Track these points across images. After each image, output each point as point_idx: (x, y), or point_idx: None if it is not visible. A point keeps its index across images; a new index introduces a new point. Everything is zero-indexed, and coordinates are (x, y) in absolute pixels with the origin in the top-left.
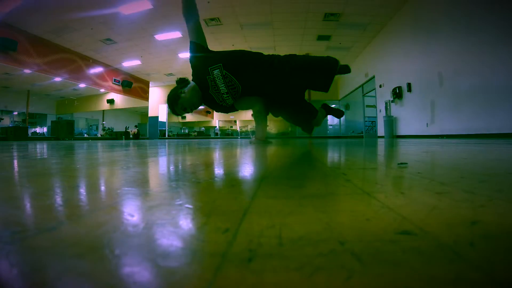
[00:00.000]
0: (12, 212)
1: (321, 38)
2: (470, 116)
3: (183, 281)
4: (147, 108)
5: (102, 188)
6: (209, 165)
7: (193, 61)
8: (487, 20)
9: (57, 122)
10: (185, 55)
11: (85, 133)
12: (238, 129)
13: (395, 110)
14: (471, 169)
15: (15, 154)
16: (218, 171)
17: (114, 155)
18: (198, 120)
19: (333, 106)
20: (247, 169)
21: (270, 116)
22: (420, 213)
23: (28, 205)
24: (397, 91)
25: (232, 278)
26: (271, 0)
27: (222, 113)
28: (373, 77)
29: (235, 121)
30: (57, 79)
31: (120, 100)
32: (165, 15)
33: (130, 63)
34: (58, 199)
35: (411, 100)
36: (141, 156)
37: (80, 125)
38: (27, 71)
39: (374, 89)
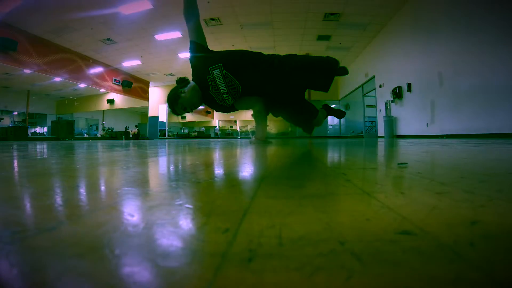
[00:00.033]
0: (12, 212)
1: (321, 38)
2: (470, 116)
3: (183, 281)
4: (147, 108)
5: (102, 188)
6: (209, 165)
7: (193, 61)
8: (487, 20)
9: (57, 122)
10: (185, 55)
11: (85, 133)
12: (238, 129)
13: (395, 110)
14: (471, 169)
15: (15, 154)
16: (218, 171)
17: (114, 155)
18: (198, 120)
19: (333, 106)
20: (247, 169)
21: (270, 116)
22: (420, 213)
23: (28, 205)
24: (397, 91)
25: (232, 278)
26: (271, 0)
27: (222, 113)
28: (373, 77)
29: (235, 121)
30: (57, 79)
31: (120, 100)
32: (165, 15)
33: (130, 63)
34: (58, 199)
35: (411, 100)
36: (141, 156)
37: (80, 125)
38: (27, 71)
39: (374, 89)
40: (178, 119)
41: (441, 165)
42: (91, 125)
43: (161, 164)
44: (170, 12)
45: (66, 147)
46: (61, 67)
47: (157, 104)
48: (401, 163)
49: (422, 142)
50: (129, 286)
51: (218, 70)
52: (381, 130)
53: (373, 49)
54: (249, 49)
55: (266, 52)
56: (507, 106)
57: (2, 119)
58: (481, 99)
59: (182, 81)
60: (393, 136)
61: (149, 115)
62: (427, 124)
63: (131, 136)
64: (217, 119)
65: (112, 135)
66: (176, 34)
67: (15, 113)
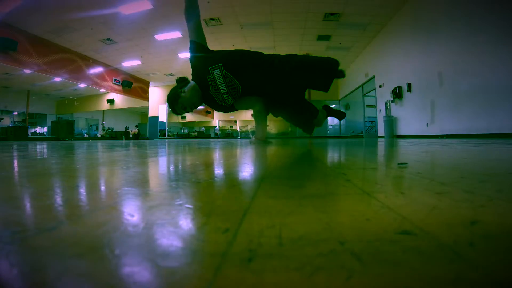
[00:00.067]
0: (12, 212)
1: (321, 38)
2: (470, 116)
3: (183, 281)
4: (147, 108)
5: (102, 188)
6: (209, 165)
7: (193, 60)
8: (487, 20)
9: (57, 122)
10: (185, 55)
11: (85, 133)
12: (238, 129)
13: (395, 110)
14: (471, 169)
15: (15, 154)
16: (218, 171)
17: (114, 155)
18: (198, 120)
19: (333, 106)
20: (247, 169)
21: (270, 116)
22: (420, 213)
23: (28, 205)
24: (397, 91)
25: (232, 278)
26: (271, 0)
27: (222, 113)
28: (373, 77)
29: (235, 121)
30: (57, 79)
31: (120, 100)
32: (165, 15)
33: (130, 63)
34: (58, 199)
35: (411, 100)
36: (141, 156)
37: (80, 125)
38: (27, 71)
39: (374, 89)
40: (178, 119)
41: (441, 165)
42: (91, 125)
43: (161, 164)
44: (170, 12)
45: (66, 147)
46: (61, 67)
47: (157, 104)
48: (401, 163)
49: (422, 142)
50: (129, 286)
51: (218, 70)
52: (381, 130)
53: (373, 49)
54: (249, 49)
55: (266, 52)
56: (507, 106)
57: (2, 119)
58: (481, 99)
59: (182, 81)
60: (393, 136)
61: (149, 115)
62: (427, 124)
63: (131, 136)
64: (217, 119)
65: (112, 135)
66: (176, 34)
67: (15, 113)
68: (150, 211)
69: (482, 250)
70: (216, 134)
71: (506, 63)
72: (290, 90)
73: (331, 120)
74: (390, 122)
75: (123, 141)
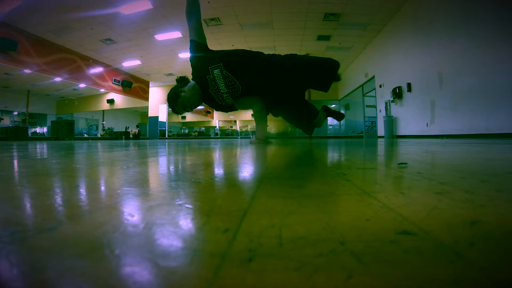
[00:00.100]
0: (12, 212)
1: (321, 38)
2: (470, 116)
3: (183, 281)
4: (147, 108)
5: (102, 188)
6: (209, 165)
7: (193, 60)
8: (487, 20)
9: (57, 122)
10: (185, 55)
11: (85, 133)
12: (238, 129)
13: (395, 110)
14: (471, 169)
15: (15, 154)
16: (218, 171)
17: (114, 155)
18: (198, 120)
19: (333, 106)
20: (247, 169)
21: (270, 116)
22: (420, 213)
23: (28, 205)
24: (397, 91)
25: (232, 278)
26: (271, 0)
27: (222, 113)
28: (373, 77)
29: (235, 121)
30: (57, 79)
31: (120, 100)
32: (165, 15)
33: (130, 63)
34: (58, 199)
35: (411, 100)
36: (141, 156)
37: (80, 125)
38: (27, 71)
39: (374, 89)
40: (178, 119)
41: (441, 165)
42: (91, 125)
43: (161, 164)
44: (170, 12)
45: (66, 147)
46: (61, 67)
47: (157, 104)
48: (401, 163)
49: (422, 142)
50: (129, 286)
51: (218, 70)
52: (381, 130)
53: (373, 49)
54: (249, 49)
55: (266, 52)
56: (507, 106)
57: (2, 119)
58: (481, 99)
59: (182, 80)
60: (393, 136)
61: (149, 115)
62: (427, 124)
63: (131, 136)
64: (217, 119)
65: (112, 135)
66: (176, 34)
67: (15, 113)
68: (150, 211)
69: (482, 250)
70: (216, 134)
71: (506, 63)
72: (290, 89)
73: (331, 120)
74: (390, 122)
75: (123, 141)
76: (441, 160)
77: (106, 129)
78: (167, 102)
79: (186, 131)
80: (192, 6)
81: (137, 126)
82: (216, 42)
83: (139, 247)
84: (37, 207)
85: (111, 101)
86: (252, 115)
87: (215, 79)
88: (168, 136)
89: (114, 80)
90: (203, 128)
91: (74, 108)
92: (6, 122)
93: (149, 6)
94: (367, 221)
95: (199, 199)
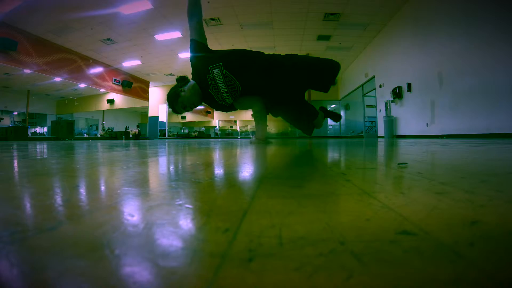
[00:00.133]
0: (12, 212)
1: (321, 38)
2: (470, 116)
3: (183, 281)
4: (147, 108)
5: (102, 188)
6: (209, 165)
7: (194, 60)
8: (487, 20)
9: (57, 122)
10: (185, 55)
11: (85, 133)
12: (238, 129)
13: (395, 110)
14: (471, 169)
15: (15, 154)
16: (218, 171)
17: (114, 155)
18: (198, 120)
19: (333, 106)
20: (247, 169)
21: (270, 116)
22: (420, 213)
23: (28, 205)
24: (397, 91)
25: (232, 278)
26: (271, 0)
27: (222, 113)
28: (373, 77)
29: (235, 121)
30: (57, 79)
31: (120, 100)
32: (165, 15)
33: (130, 63)
34: (58, 199)
35: (411, 100)
36: (141, 156)
37: (80, 125)
38: (27, 71)
39: (374, 89)
40: (178, 119)
41: (441, 165)
42: (91, 125)
43: (161, 164)
44: (170, 12)
45: (66, 147)
46: (61, 67)
47: (157, 104)
48: (401, 163)
49: (422, 142)
50: (129, 286)
51: (218, 69)
52: (381, 130)
53: (373, 49)
54: (249, 49)
55: (266, 52)
56: (507, 105)
57: (2, 119)
58: (481, 98)
59: (182, 80)
60: (393, 136)
61: (149, 115)
62: (427, 124)
63: (131, 136)
64: (217, 119)
65: (112, 135)
66: (176, 34)
67: (15, 113)
68: (150, 211)
69: (482, 250)
70: (216, 134)
71: (506, 63)
72: (290, 89)
73: (331, 120)
74: (390, 122)
75: (123, 141)
76: (441, 160)
77: (106, 129)
78: (167, 102)
79: (186, 131)
80: (193, 6)
81: (138, 126)
82: (216, 42)
83: (139, 247)
84: (37, 207)
85: (111, 101)
86: (252, 115)
87: (215, 79)
88: (168, 136)
89: (114, 80)
90: (203, 128)
91: (74, 108)
92: (6, 122)
93: (149, 6)
94: (367, 221)
95: (199, 199)
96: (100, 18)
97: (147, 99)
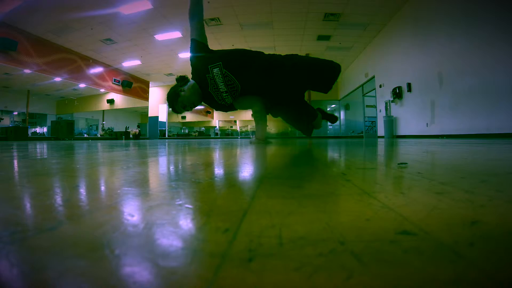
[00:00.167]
0: (12, 212)
1: (321, 38)
2: (470, 116)
3: (183, 281)
4: (147, 108)
5: (102, 188)
6: (209, 165)
7: (194, 60)
8: (487, 20)
9: (57, 122)
10: (185, 55)
11: (85, 133)
12: (238, 129)
13: (395, 110)
14: (471, 169)
15: (15, 154)
16: (218, 171)
17: (114, 155)
18: (198, 120)
19: (333, 106)
20: (247, 169)
21: (270, 116)
22: (420, 213)
23: (28, 205)
24: (397, 91)
25: (232, 278)
26: (271, 0)
27: (222, 113)
28: (373, 77)
29: (235, 121)
30: (57, 79)
31: (120, 100)
32: (165, 15)
33: (130, 63)
34: (58, 199)
35: (411, 100)
36: (141, 156)
37: (80, 125)
38: (27, 71)
39: (374, 89)
40: (178, 119)
41: (441, 165)
42: (91, 125)
43: (161, 164)
44: (170, 12)
45: (66, 147)
46: (61, 67)
47: (157, 104)
48: (401, 163)
49: (422, 142)
50: (129, 286)
51: (218, 68)
52: (381, 130)
53: (373, 49)
54: (249, 49)
55: (266, 52)
56: (507, 105)
57: (2, 119)
58: (481, 98)
59: (181, 80)
60: (393, 136)
61: (149, 115)
62: (427, 124)
63: (131, 136)
64: (217, 119)
65: (112, 135)
66: (176, 34)
67: (15, 113)
68: (150, 211)
69: (482, 250)
70: (216, 134)
71: (506, 63)
72: (289, 89)
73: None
74: (390, 122)
75: (123, 141)
76: (441, 160)
77: (106, 129)
78: (166, 101)
79: (186, 131)
80: (195, 6)
81: (138, 126)
82: (216, 42)
83: (139, 247)
84: (37, 207)
85: (111, 101)
86: (251, 115)
87: (215, 78)
88: (168, 136)
89: (114, 80)
90: (203, 128)
91: (74, 108)
92: (6, 122)
93: (149, 6)
94: (367, 221)
95: (199, 199)
96: (100, 18)
97: (147, 99)
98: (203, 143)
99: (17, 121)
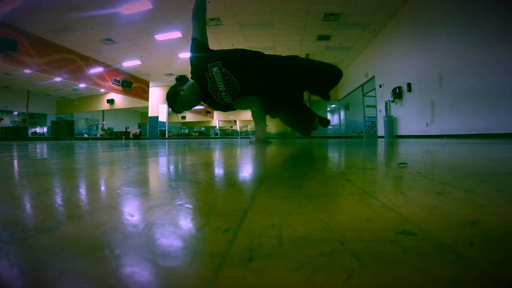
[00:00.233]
0: (12, 212)
1: (321, 38)
2: (470, 116)
3: (183, 281)
4: (147, 108)
5: (102, 188)
6: (209, 165)
7: (193, 59)
8: (487, 20)
9: (57, 122)
10: (185, 55)
11: (85, 133)
12: (238, 129)
13: (395, 110)
14: (471, 169)
15: (15, 154)
16: (218, 171)
17: (114, 155)
18: (198, 120)
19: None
20: (247, 169)
21: (269, 117)
22: (420, 213)
23: (28, 205)
24: (397, 91)
25: (232, 278)
26: (271, 0)
27: (222, 113)
28: (373, 77)
29: (235, 121)
30: (57, 79)
31: (120, 100)
32: (165, 15)
33: (130, 63)
34: (58, 199)
35: (411, 100)
36: (141, 156)
37: (80, 125)
38: (27, 71)
39: (374, 89)
40: (178, 119)
41: (441, 165)
42: (91, 125)
43: (161, 164)
44: (170, 12)
45: (66, 147)
46: (61, 67)
47: (157, 104)
48: (401, 163)
49: (422, 142)
50: (129, 286)
51: (217, 67)
52: (381, 130)
53: (373, 49)
54: (249, 49)
55: (266, 52)
56: (507, 105)
57: (2, 119)
58: (481, 98)
59: (181, 79)
60: (393, 136)
61: (149, 115)
62: (427, 124)
63: (131, 136)
64: (217, 119)
65: (112, 135)
66: (176, 34)
67: (15, 113)
68: (150, 211)
69: (482, 250)
70: (216, 134)
71: (506, 63)
72: (289, 90)
73: (331, 120)
74: (390, 122)
75: (123, 141)
76: (441, 160)
77: (105, 129)
78: (166, 101)
79: (186, 131)
80: (199, 5)
81: (139, 127)
82: (216, 42)
83: (139, 247)
84: (37, 207)
85: (111, 101)
86: (251, 115)
87: (214, 77)
88: (168, 136)
89: (114, 80)
90: (203, 128)
91: (74, 108)
92: (6, 122)
93: (149, 6)
94: (367, 221)
95: (199, 199)
96: (100, 18)
97: (147, 99)
98: (203, 143)
99: (17, 121)
